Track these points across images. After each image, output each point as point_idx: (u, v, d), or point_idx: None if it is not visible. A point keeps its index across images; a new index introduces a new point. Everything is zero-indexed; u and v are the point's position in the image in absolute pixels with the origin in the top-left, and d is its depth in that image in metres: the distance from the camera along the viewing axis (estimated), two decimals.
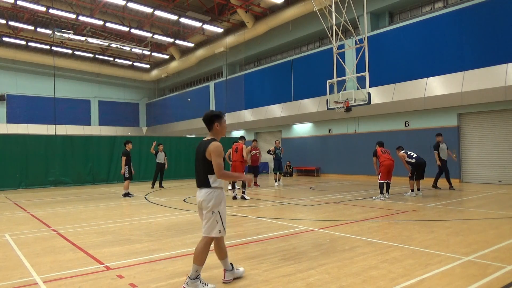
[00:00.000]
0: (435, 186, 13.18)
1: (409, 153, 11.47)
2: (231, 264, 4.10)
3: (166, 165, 16.13)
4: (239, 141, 11.92)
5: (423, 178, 11.50)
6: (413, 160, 11.29)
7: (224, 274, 4.04)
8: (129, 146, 12.44)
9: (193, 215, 8.55)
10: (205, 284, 3.80)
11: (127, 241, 6.07)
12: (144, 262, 4.83)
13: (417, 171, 11.31)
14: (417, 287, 3.79)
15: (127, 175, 12.22)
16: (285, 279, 4.07)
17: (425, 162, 11.41)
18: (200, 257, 3.81)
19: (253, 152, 15.13)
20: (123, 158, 12.13)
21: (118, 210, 9.85)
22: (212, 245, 3.98)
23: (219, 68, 31.93)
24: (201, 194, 3.93)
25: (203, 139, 4.08)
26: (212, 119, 4.02)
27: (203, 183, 3.94)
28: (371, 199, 10.66)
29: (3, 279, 4.26)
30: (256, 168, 15.48)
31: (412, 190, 11.44)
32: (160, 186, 16.14)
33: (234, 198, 11.35)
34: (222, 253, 4.03)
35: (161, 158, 15.81)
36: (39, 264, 4.83)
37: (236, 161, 11.50)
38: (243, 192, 11.42)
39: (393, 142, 17.84)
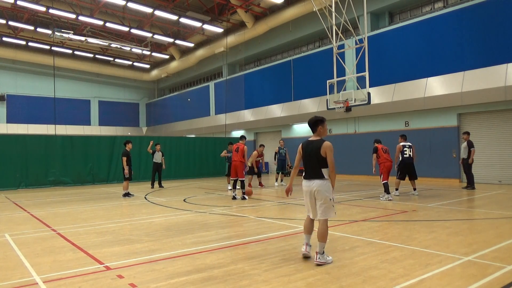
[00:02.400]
0: (472, 187, 12.81)
1: (404, 149, 11.25)
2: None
3: (164, 165, 16.11)
4: (240, 141, 11.87)
5: (403, 180, 11.30)
6: (400, 158, 11.20)
7: (306, 247, 4.83)
8: (129, 146, 12.43)
9: (193, 215, 8.55)
10: (328, 256, 4.70)
11: (127, 241, 6.07)
12: (144, 262, 4.83)
13: (401, 170, 11.19)
14: (417, 287, 3.79)
15: (127, 175, 12.22)
16: (285, 279, 4.07)
17: (411, 163, 11.23)
18: (325, 236, 4.66)
19: (258, 158, 15.04)
20: (124, 159, 12.11)
21: (118, 210, 9.85)
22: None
23: (219, 68, 31.93)
24: (315, 184, 4.73)
25: (310, 139, 4.93)
26: (316, 123, 4.88)
27: (317, 175, 4.75)
28: (379, 199, 10.54)
29: (3, 279, 4.26)
30: (258, 169, 15.44)
31: (415, 189, 11.40)
32: (160, 186, 16.13)
33: (234, 198, 11.35)
34: (311, 229, 4.95)
35: (157, 158, 15.79)
36: (39, 264, 4.83)
37: (236, 161, 11.46)
38: (243, 193, 11.41)
39: (393, 142, 17.87)
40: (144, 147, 18.99)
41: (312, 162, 4.77)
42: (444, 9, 16.72)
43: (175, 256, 5.09)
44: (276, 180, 16.23)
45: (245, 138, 12.16)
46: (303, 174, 4.89)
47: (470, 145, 12.65)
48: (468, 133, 13.02)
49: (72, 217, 8.63)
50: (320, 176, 4.73)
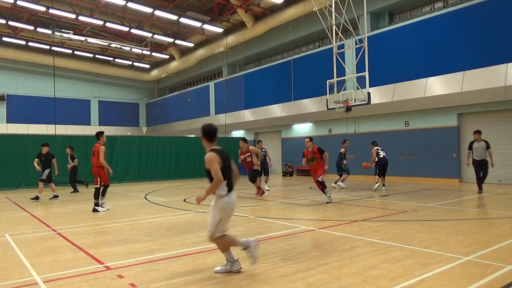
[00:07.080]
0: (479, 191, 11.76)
1: (379, 151, 12.75)
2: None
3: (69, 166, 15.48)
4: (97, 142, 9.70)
5: (383, 176, 12.79)
6: (376, 159, 12.67)
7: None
8: (44, 150, 12.50)
9: (193, 215, 8.55)
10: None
11: (127, 241, 6.07)
12: (144, 262, 4.83)
13: (379, 169, 12.72)
14: (417, 287, 3.79)
15: (44, 177, 12.21)
16: (285, 279, 4.07)
17: (387, 162, 12.70)
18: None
19: (242, 157, 12.31)
20: (36, 160, 12.35)
21: (118, 210, 9.84)
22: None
23: (219, 68, 31.93)
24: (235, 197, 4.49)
25: (218, 148, 4.30)
26: (217, 132, 4.36)
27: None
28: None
29: (3, 279, 4.26)
30: (255, 171, 12.45)
31: (377, 183, 12.61)
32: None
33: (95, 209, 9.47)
34: None
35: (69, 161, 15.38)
36: (39, 264, 4.83)
37: (94, 166, 9.59)
38: (96, 204, 9.45)
39: (393, 142, 17.87)
40: (144, 147, 19.00)
41: (231, 173, 4.31)
42: (444, 9, 16.72)
43: (175, 256, 5.09)
44: (266, 182, 14.19)
45: (103, 135, 9.69)
46: (228, 186, 4.20)
47: (488, 145, 11.47)
48: (479, 132, 11.58)
49: (72, 217, 8.63)
50: None
